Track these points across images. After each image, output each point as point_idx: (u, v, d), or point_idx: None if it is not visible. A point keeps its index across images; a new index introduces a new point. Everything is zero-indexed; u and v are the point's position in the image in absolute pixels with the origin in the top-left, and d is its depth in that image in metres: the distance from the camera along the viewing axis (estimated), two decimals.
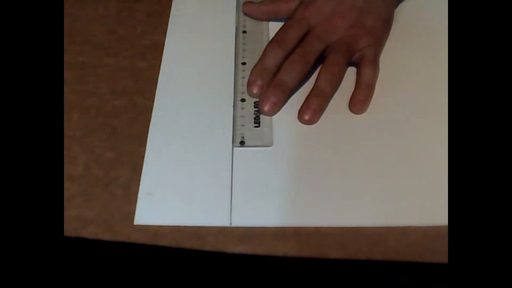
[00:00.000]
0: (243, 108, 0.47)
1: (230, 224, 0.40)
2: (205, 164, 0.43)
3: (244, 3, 0.55)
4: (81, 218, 0.41)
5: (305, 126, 0.46)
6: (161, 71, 0.50)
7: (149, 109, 0.47)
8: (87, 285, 0.38)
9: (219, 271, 0.38)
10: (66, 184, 0.42)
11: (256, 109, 0.47)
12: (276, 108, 0.47)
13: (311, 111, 0.46)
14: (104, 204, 0.41)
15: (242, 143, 0.44)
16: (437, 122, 0.45)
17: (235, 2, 0.56)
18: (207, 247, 0.39)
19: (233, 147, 0.44)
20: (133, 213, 0.41)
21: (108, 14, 0.56)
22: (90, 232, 0.40)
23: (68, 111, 0.47)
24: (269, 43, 0.49)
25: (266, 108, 0.46)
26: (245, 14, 0.55)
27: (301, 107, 0.46)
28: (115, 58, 0.52)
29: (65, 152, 0.44)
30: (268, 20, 0.55)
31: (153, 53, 0.52)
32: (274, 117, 0.47)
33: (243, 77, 0.49)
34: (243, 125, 0.46)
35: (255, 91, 0.48)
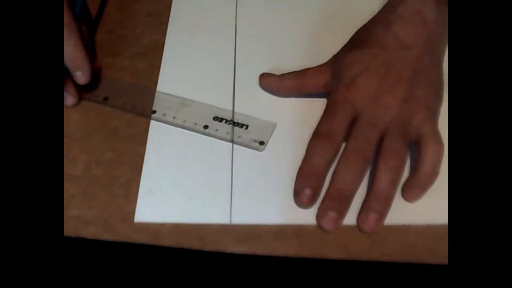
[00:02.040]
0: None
1: (230, 222, 0.40)
2: (205, 162, 0.43)
3: (262, 75, 0.47)
4: (81, 218, 0.41)
5: (305, 124, 0.44)
6: (161, 71, 0.50)
7: None
8: (87, 285, 0.38)
9: (219, 271, 0.38)
10: (66, 184, 0.42)
11: None
12: (338, 223, 0.39)
13: (373, 221, 0.39)
14: (104, 204, 0.41)
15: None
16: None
17: (235, 2, 0.56)
18: (207, 247, 0.39)
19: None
20: (133, 212, 0.41)
21: (108, 14, 0.56)
22: (90, 232, 0.40)
23: (68, 111, 0.47)
24: (314, 137, 0.41)
25: (326, 225, 0.39)
26: (263, 88, 0.48)
27: (360, 214, 0.39)
28: (115, 58, 0.52)
29: (65, 152, 0.44)
30: (291, 97, 0.47)
31: (153, 53, 0.52)
32: (274, 114, 0.46)
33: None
34: None
35: (305, 202, 0.40)
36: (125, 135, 0.46)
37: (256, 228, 0.40)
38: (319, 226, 0.39)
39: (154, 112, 0.47)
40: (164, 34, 0.53)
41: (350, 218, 0.40)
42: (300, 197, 0.40)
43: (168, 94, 0.48)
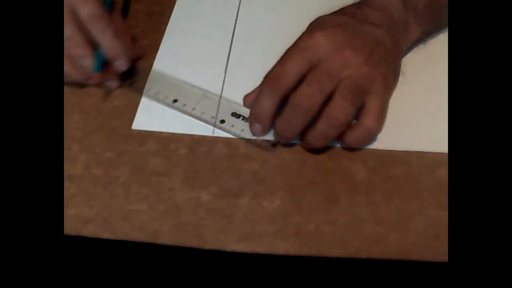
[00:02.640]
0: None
1: (213, 133, 0.46)
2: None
3: (244, 98, 0.47)
4: (81, 217, 0.41)
5: None
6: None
7: None
8: (87, 283, 0.38)
9: (219, 269, 0.38)
10: (66, 184, 0.43)
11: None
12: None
13: (307, 145, 0.43)
14: (103, 203, 0.41)
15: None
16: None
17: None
18: (207, 246, 0.39)
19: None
20: (132, 212, 0.41)
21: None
22: (90, 230, 0.40)
23: (68, 111, 0.47)
24: (264, 81, 0.43)
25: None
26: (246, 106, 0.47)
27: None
28: None
29: (65, 152, 0.45)
30: None
31: (153, 53, 0.52)
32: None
33: None
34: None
35: (257, 133, 0.45)
36: (125, 135, 0.46)
37: (256, 226, 0.40)
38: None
39: (176, 101, 0.48)
40: (164, 34, 0.54)
41: None
42: (253, 128, 0.44)
43: (192, 85, 0.49)
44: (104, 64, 0.47)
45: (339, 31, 0.43)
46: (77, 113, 0.48)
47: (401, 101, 0.47)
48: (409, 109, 0.47)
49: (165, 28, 0.54)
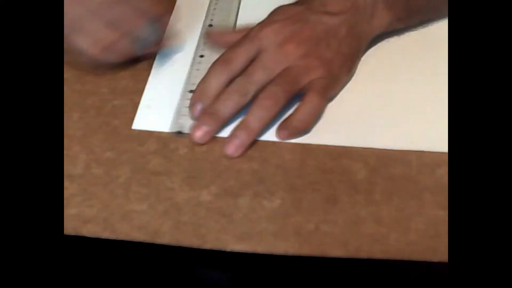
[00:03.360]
0: (188, 99, 0.47)
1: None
2: None
3: (207, 31, 0.53)
4: (80, 217, 0.41)
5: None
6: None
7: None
8: (87, 283, 0.38)
9: (220, 269, 0.38)
10: (66, 183, 0.43)
11: None
12: (207, 136, 0.45)
13: (234, 147, 0.44)
14: (103, 203, 0.41)
15: (179, 133, 0.46)
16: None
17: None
18: (207, 246, 0.39)
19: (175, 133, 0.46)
20: (132, 212, 0.41)
21: None
22: (90, 230, 0.40)
23: (68, 111, 0.47)
24: (215, 62, 0.46)
25: (196, 135, 0.44)
26: (207, 43, 0.52)
27: (227, 138, 0.44)
28: None
29: (65, 152, 0.45)
30: None
31: (153, 53, 0.52)
32: None
33: (197, 69, 0.50)
34: (184, 115, 0.47)
35: (195, 114, 0.46)
36: (125, 135, 0.46)
37: (256, 226, 0.40)
38: (191, 136, 0.45)
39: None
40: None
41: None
42: (192, 109, 0.46)
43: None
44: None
45: (288, 24, 0.46)
46: (77, 113, 0.48)
47: (401, 101, 0.48)
48: (409, 108, 0.47)
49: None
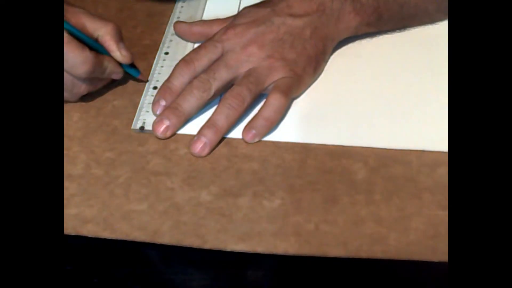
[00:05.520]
0: (152, 96, 0.48)
1: None
2: None
3: (175, 23, 0.53)
4: (80, 217, 0.41)
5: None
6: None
7: None
8: (87, 283, 0.38)
9: (219, 269, 0.38)
10: (66, 183, 0.43)
11: None
12: (169, 131, 0.45)
13: (201, 145, 0.44)
14: (103, 202, 0.41)
15: (141, 128, 0.46)
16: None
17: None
18: (207, 246, 0.39)
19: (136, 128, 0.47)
20: (132, 211, 0.41)
21: (108, 14, 0.56)
22: (90, 230, 0.40)
23: (68, 111, 0.47)
24: (179, 62, 0.48)
25: (158, 130, 0.45)
26: (176, 34, 0.53)
27: (194, 137, 0.45)
28: None
29: (65, 152, 0.45)
30: (200, 42, 0.51)
31: (153, 53, 0.52)
32: None
33: (162, 66, 0.51)
34: (147, 111, 0.47)
35: (157, 111, 0.46)
36: (125, 135, 0.46)
37: (256, 226, 0.40)
38: (153, 131, 0.45)
39: None
40: (164, 34, 0.54)
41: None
42: (155, 106, 0.47)
43: None
44: None
45: (252, 27, 0.47)
46: (77, 113, 0.48)
47: (401, 100, 0.48)
48: (409, 108, 0.47)
49: (165, 28, 0.54)
